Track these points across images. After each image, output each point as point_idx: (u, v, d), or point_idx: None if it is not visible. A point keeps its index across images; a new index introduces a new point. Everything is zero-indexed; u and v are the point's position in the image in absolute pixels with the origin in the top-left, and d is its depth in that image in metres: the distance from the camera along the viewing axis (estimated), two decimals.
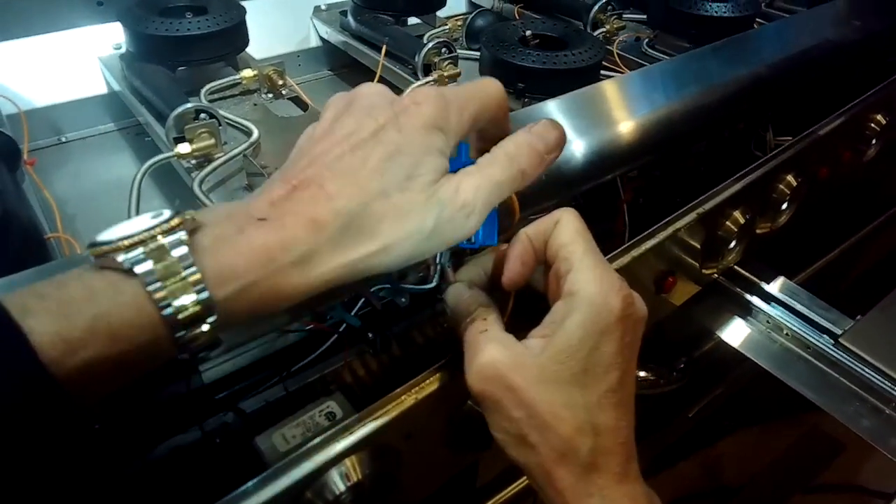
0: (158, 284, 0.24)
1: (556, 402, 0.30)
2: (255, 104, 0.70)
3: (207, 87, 0.67)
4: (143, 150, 0.73)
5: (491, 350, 0.31)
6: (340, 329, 0.43)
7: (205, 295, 0.25)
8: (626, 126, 0.50)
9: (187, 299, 0.24)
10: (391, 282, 0.38)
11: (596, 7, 0.85)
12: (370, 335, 0.43)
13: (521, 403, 0.30)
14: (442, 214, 0.29)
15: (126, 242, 0.25)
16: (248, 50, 0.75)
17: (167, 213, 0.26)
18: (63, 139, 0.75)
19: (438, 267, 0.35)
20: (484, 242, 0.33)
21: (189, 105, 0.58)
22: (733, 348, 0.59)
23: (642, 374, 0.75)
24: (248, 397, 0.40)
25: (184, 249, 0.25)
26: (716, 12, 0.76)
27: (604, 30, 0.85)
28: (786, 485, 1.21)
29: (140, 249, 0.25)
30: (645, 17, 0.89)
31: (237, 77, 0.69)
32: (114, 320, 0.24)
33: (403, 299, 0.45)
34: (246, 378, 0.42)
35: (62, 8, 0.73)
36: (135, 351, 0.24)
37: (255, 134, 0.61)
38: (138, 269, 0.24)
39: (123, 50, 0.72)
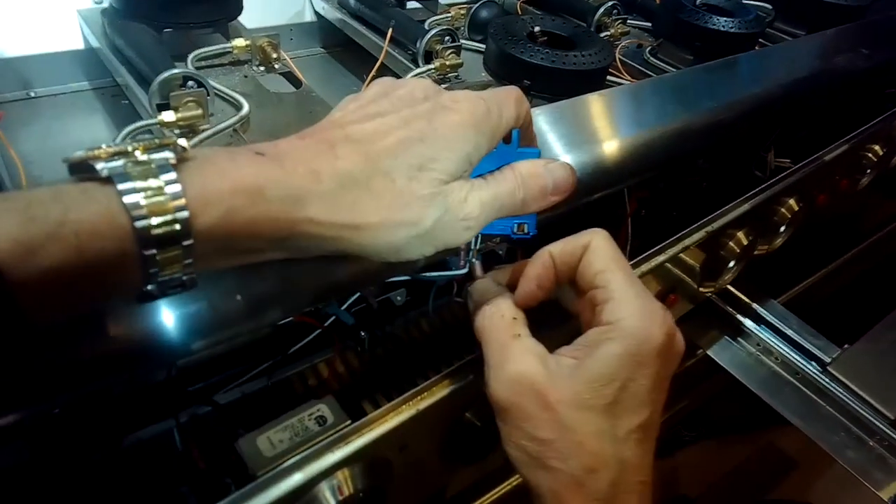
0: (136, 195, 0.22)
1: (587, 430, 0.28)
2: (246, 76, 0.66)
3: (195, 53, 0.63)
4: (120, 114, 0.68)
5: (529, 360, 0.29)
6: (326, 324, 0.40)
7: (184, 214, 0.23)
8: (641, 136, 0.48)
9: (164, 215, 0.22)
10: (412, 272, 0.35)
11: (602, 10, 0.83)
12: (362, 333, 0.40)
13: (553, 425, 0.28)
14: (443, 218, 0.28)
15: (107, 151, 0.23)
16: (241, 18, 0.70)
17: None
18: (32, 94, 0.69)
19: (471, 252, 0.34)
20: (534, 234, 0.33)
21: (177, 70, 0.54)
22: (708, 363, 0.58)
23: None
24: (227, 390, 0.38)
25: (167, 166, 0.23)
26: (723, 27, 0.75)
27: (608, 33, 0.83)
28: (740, 497, 1.24)
29: (121, 160, 0.23)
30: (648, 24, 0.88)
31: (228, 46, 0.66)
32: (82, 227, 0.21)
33: (399, 298, 0.43)
34: (223, 369, 0.39)
35: None
36: (100, 266, 0.22)
37: (246, 108, 0.57)
38: (116, 178, 0.22)
39: (106, 4, 0.67)
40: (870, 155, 0.66)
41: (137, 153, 0.23)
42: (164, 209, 0.22)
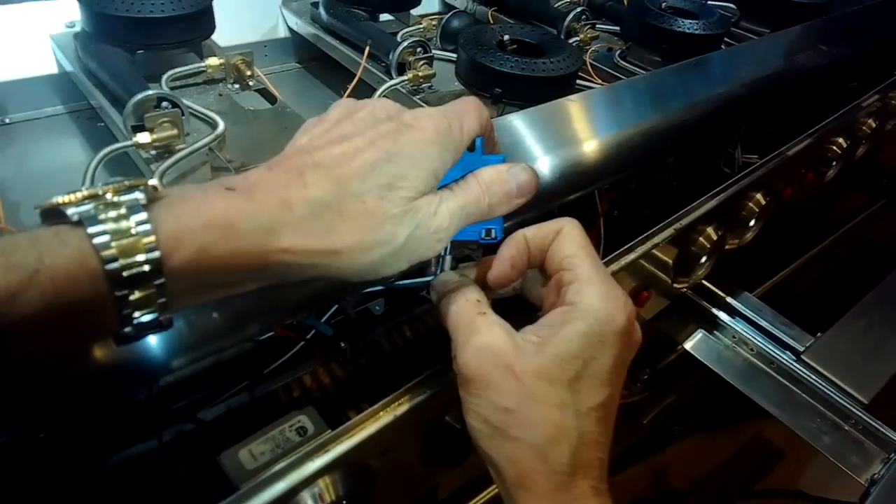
0: (106, 237, 0.23)
1: (551, 401, 0.29)
2: (221, 94, 0.67)
3: (169, 73, 0.64)
4: (96, 136, 0.69)
5: (495, 331, 0.30)
6: (308, 336, 0.41)
7: (155, 254, 0.23)
8: (606, 140, 0.50)
9: (134, 256, 0.23)
10: (386, 283, 0.36)
11: (570, 15, 0.85)
12: (342, 344, 0.41)
13: (516, 392, 0.29)
14: (415, 233, 0.29)
15: (77, 196, 0.23)
16: (214, 36, 0.71)
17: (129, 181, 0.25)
18: (7, 120, 0.69)
19: (442, 259, 0.34)
20: (501, 238, 0.33)
21: (150, 92, 0.55)
22: (690, 358, 0.60)
23: None
24: (212, 406, 0.38)
25: (137, 207, 0.23)
26: (688, 29, 0.77)
27: (577, 39, 0.85)
28: (730, 490, 1.25)
29: (91, 203, 0.23)
30: (618, 28, 0.89)
31: (202, 65, 0.66)
32: (56, 272, 0.22)
33: (378, 307, 0.44)
34: (207, 386, 0.39)
35: None
36: (77, 309, 0.22)
37: (221, 126, 0.57)
38: (86, 221, 0.23)
39: (78, 28, 0.67)
40: (834, 147, 0.68)
41: (108, 195, 0.24)
42: (135, 250, 0.23)
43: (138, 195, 0.24)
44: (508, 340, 0.30)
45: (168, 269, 0.24)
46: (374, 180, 0.28)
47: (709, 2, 1.02)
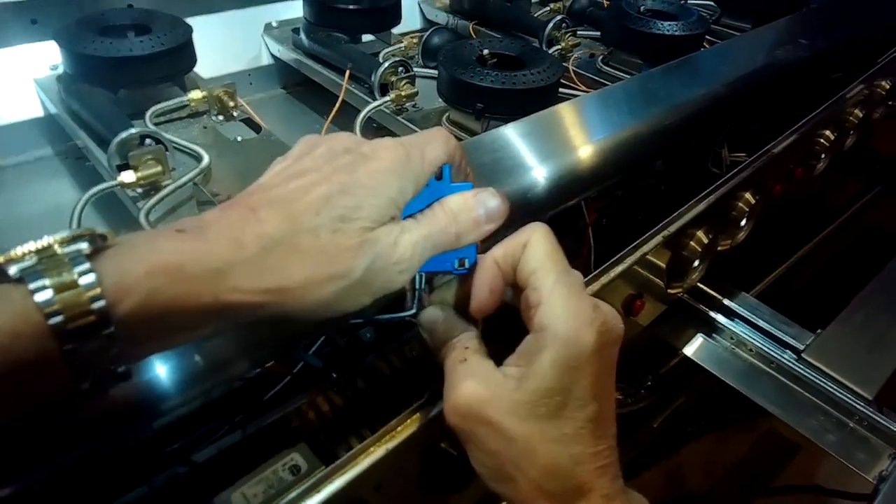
0: (48, 292, 0.22)
1: (533, 437, 0.29)
2: (206, 126, 0.67)
3: (153, 109, 0.64)
4: (84, 176, 0.69)
5: (467, 385, 0.30)
6: (295, 370, 0.41)
7: (100, 304, 0.23)
8: (590, 149, 0.50)
9: (78, 308, 0.22)
10: (365, 315, 0.36)
11: (551, 24, 0.85)
12: (333, 375, 0.41)
13: (497, 437, 0.29)
14: (374, 265, 0.28)
15: (19, 252, 0.23)
16: (197, 68, 0.71)
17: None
18: None
19: (417, 293, 0.34)
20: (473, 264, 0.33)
21: (133, 130, 0.55)
22: (691, 362, 0.59)
23: None
24: (203, 448, 0.38)
25: (80, 258, 0.23)
26: (667, 31, 0.77)
27: (559, 47, 0.85)
28: (747, 488, 1.24)
29: (34, 259, 0.23)
30: (599, 33, 0.90)
31: (185, 99, 0.66)
32: (2, 330, 0.22)
33: (369, 335, 0.43)
34: (196, 426, 0.39)
35: None
36: (24, 368, 0.22)
37: (206, 159, 0.58)
38: (27, 277, 0.22)
39: (61, 71, 0.68)
40: (822, 140, 0.67)
41: (56, 247, 0.23)
42: (78, 302, 0.22)
43: (82, 245, 0.23)
44: (480, 390, 0.30)
45: (116, 317, 0.23)
46: (327, 213, 0.27)
47: (689, 1, 1.03)
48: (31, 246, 0.23)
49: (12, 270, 0.23)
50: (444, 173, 0.32)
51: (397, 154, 0.29)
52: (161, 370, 0.31)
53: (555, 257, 0.32)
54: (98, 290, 0.23)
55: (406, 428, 0.33)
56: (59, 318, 0.22)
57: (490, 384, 0.30)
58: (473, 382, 0.30)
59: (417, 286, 0.34)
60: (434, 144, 0.31)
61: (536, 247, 0.32)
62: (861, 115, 0.73)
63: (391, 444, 0.32)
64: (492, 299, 0.33)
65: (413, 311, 0.34)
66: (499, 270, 0.32)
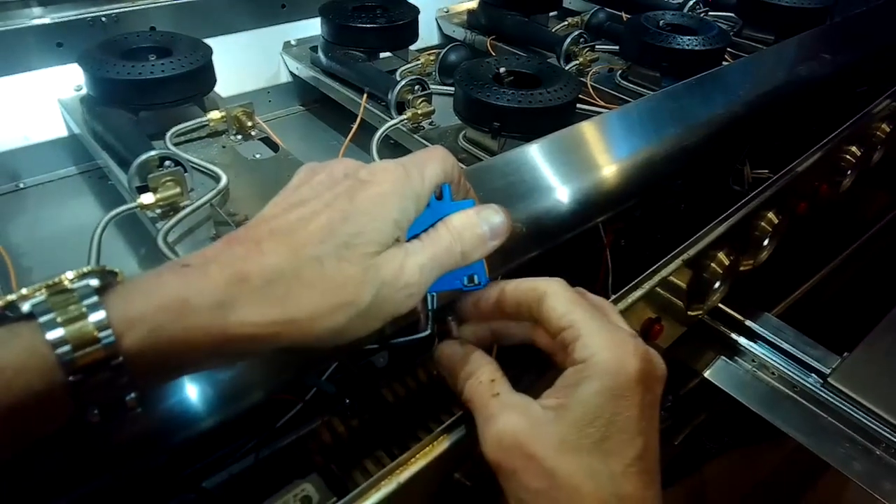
0: (57, 327, 0.23)
1: (579, 473, 0.28)
2: (224, 146, 0.68)
3: (173, 130, 0.65)
4: (107, 194, 0.70)
5: (508, 418, 0.30)
6: (307, 396, 0.40)
7: (109, 339, 0.23)
8: (608, 171, 0.49)
9: (86, 341, 0.23)
10: (381, 340, 0.36)
11: (568, 39, 0.85)
12: (346, 400, 0.40)
13: (541, 473, 0.28)
14: (381, 292, 0.28)
15: (30, 290, 0.24)
16: (217, 86, 0.72)
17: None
18: (21, 185, 0.71)
19: (431, 313, 0.34)
20: (486, 283, 0.33)
21: (153, 153, 0.56)
22: (712, 384, 0.58)
23: None
24: (214, 475, 0.38)
25: (90, 293, 0.24)
26: (687, 45, 0.76)
27: (577, 62, 0.84)
28: None
29: (43, 294, 0.24)
30: (617, 48, 0.89)
31: (204, 119, 0.67)
32: (8, 365, 0.22)
33: (382, 359, 0.43)
34: (208, 452, 0.39)
35: (20, 50, 0.70)
36: (31, 401, 0.22)
37: (224, 180, 0.58)
38: (37, 312, 0.23)
39: (84, 92, 0.69)
40: (848, 157, 0.66)
41: (66, 283, 0.24)
42: (87, 336, 0.23)
43: (92, 281, 0.24)
44: (522, 422, 0.29)
45: (124, 350, 0.23)
46: (331, 241, 0.27)
47: (709, 12, 1.02)
48: (39, 284, 0.24)
49: (24, 307, 0.23)
50: (444, 192, 0.31)
51: (396, 175, 0.29)
52: (173, 398, 0.32)
53: (582, 302, 0.32)
54: (106, 323, 0.23)
55: (418, 460, 0.32)
56: (66, 349, 0.23)
57: (531, 417, 0.29)
58: (515, 415, 0.29)
59: (430, 307, 0.33)
60: (432, 163, 0.31)
61: (558, 295, 0.31)
62: (888, 129, 0.71)
63: (402, 478, 0.32)
64: (474, 312, 0.33)
65: (427, 331, 0.34)
66: (494, 294, 0.33)
